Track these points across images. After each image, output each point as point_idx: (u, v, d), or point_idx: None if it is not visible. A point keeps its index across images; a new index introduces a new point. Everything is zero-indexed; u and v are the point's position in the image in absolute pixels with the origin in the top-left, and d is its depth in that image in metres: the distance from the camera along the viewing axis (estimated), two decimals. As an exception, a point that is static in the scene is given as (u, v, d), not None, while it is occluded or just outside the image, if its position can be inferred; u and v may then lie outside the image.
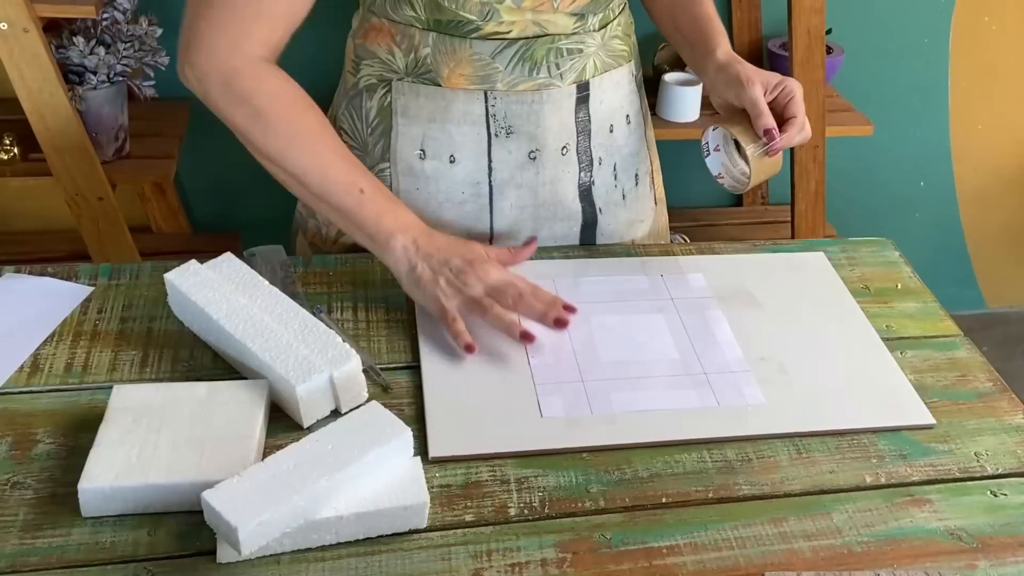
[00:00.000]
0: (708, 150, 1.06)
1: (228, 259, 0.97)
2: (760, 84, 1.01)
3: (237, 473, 0.72)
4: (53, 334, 0.95)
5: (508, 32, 1.02)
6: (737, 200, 2.40)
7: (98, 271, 1.03)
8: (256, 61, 0.97)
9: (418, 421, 0.87)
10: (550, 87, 1.06)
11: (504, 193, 1.10)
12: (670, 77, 1.98)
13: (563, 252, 1.12)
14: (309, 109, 0.99)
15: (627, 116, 1.15)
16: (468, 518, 0.78)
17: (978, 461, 0.87)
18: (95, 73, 1.67)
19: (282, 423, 0.85)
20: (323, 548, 0.75)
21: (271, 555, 0.73)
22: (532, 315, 0.95)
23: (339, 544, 0.75)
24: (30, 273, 1.02)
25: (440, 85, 1.05)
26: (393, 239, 0.97)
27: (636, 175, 1.19)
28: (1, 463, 0.80)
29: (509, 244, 1.12)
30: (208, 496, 0.70)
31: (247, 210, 2.16)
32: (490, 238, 1.12)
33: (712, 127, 1.05)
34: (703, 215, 2.33)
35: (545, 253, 1.11)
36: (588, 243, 1.17)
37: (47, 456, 0.81)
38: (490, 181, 1.09)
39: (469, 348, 0.92)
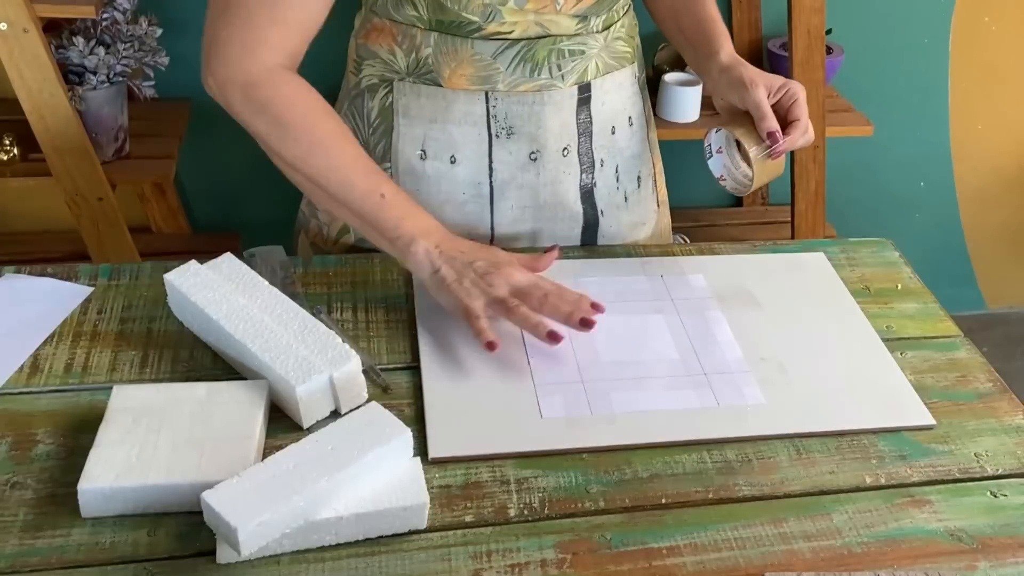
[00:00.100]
0: (711, 152, 1.06)
1: (228, 259, 0.97)
2: (764, 87, 1.01)
3: (237, 473, 0.72)
4: (53, 334, 0.95)
5: (510, 32, 1.02)
6: (737, 201, 2.40)
7: (98, 271, 1.03)
8: (274, 69, 0.97)
9: (418, 421, 0.87)
10: (551, 88, 1.06)
11: (505, 194, 1.10)
12: (670, 77, 1.98)
13: (564, 253, 1.12)
14: (328, 115, 0.98)
15: (629, 118, 1.15)
16: (468, 519, 0.78)
17: (978, 462, 0.87)
18: (95, 73, 1.68)
19: (282, 423, 0.85)
20: (323, 548, 0.75)
21: (271, 555, 0.73)
22: (558, 316, 0.93)
23: (339, 545, 0.75)
24: (30, 273, 1.02)
25: (441, 85, 1.05)
26: (415, 244, 0.96)
27: (638, 177, 1.19)
28: (1, 463, 0.80)
29: (510, 246, 1.12)
30: (208, 496, 0.70)
31: (247, 210, 2.16)
32: (491, 239, 1.12)
33: (715, 129, 1.05)
34: (703, 215, 2.33)
35: (530, 251, 1.11)
36: (589, 245, 1.17)
37: (47, 456, 0.81)
38: (491, 182, 1.09)
39: (491, 346, 0.91)
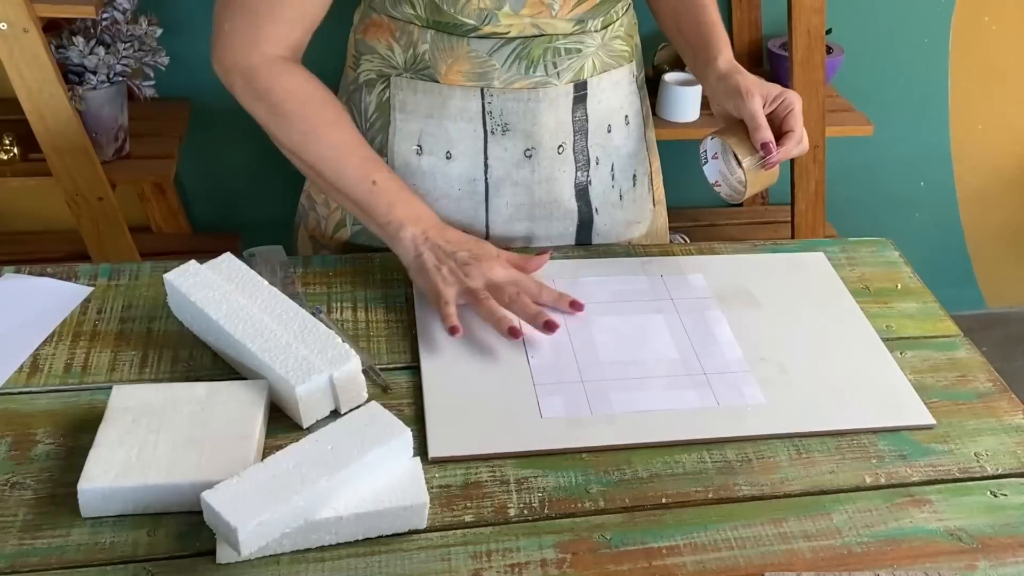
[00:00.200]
0: (706, 158, 1.06)
1: (228, 259, 0.97)
2: (760, 96, 1.01)
3: (237, 473, 0.72)
4: (53, 334, 0.95)
5: (507, 32, 1.02)
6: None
7: (98, 271, 1.03)
8: (275, 60, 1.01)
9: (418, 421, 0.87)
10: (546, 85, 1.06)
11: (500, 191, 1.10)
12: (670, 77, 1.98)
13: (563, 252, 1.12)
14: (326, 104, 1.02)
15: (626, 117, 1.15)
16: (468, 518, 0.78)
17: (978, 461, 0.87)
18: (95, 73, 1.67)
19: (282, 423, 0.85)
20: (323, 548, 0.75)
21: (271, 555, 0.73)
22: (524, 316, 0.96)
23: (339, 544, 0.75)
24: (30, 273, 1.02)
25: (438, 81, 1.05)
26: (403, 229, 1.00)
27: (634, 176, 1.19)
28: (1, 463, 0.80)
29: (504, 243, 1.12)
30: (207, 496, 0.70)
31: (247, 210, 2.16)
32: (486, 236, 1.12)
33: (710, 136, 1.05)
34: (703, 215, 2.33)
35: (529, 251, 1.11)
36: (584, 243, 1.17)
37: (47, 456, 0.81)
38: (486, 178, 1.09)
39: (453, 330, 0.94)
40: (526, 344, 0.96)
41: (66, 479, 0.78)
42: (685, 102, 1.97)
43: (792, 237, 2.06)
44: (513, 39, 1.03)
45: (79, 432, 0.83)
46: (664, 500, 0.81)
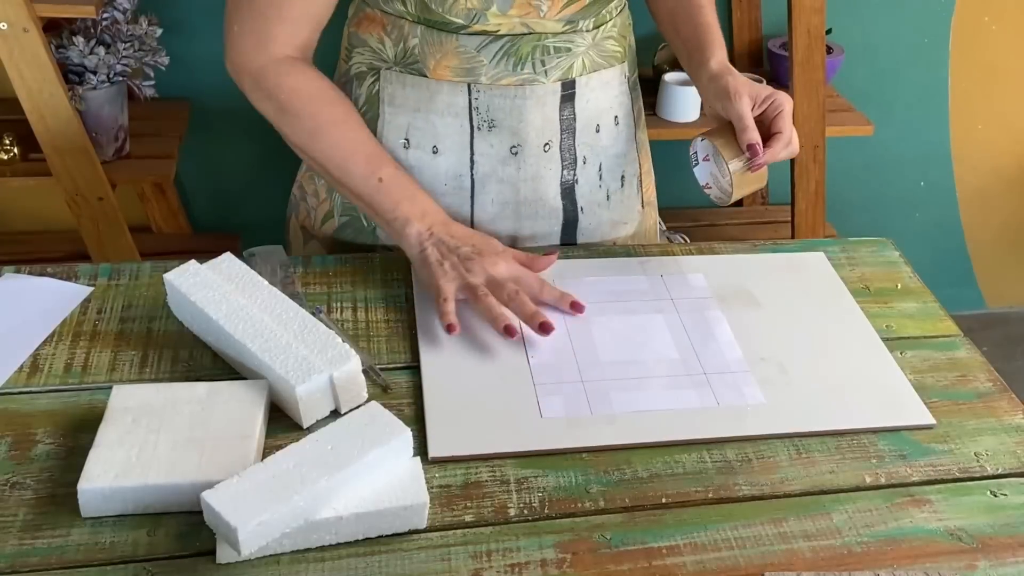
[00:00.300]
0: (696, 160, 1.06)
1: (228, 259, 0.97)
2: (748, 98, 1.01)
3: (237, 473, 0.72)
4: (53, 334, 0.95)
5: (496, 31, 1.03)
6: (737, 200, 2.39)
7: (98, 271, 1.03)
8: (283, 60, 1.03)
9: (418, 421, 0.87)
10: (533, 83, 1.06)
11: (486, 187, 1.10)
12: (670, 77, 1.98)
13: (564, 252, 1.12)
14: (333, 103, 1.04)
15: (616, 117, 1.15)
16: (468, 518, 0.78)
17: (978, 461, 0.87)
18: (95, 73, 1.68)
19: (282, 423, 0.85)
20: (323, 548, 0.75)
21: (271, 555, 0.73)
22: (521, 315, 0.96)
23: (339, 544, 0.75)
24: (30, 273, 1.02)
25: (426, 76, 1.06)
26: (409, 225, 1.01)
27: (623, 177, 1.19)
28: (1, 463, 0.80)
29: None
30: (208, 496, 0.70)
31: (247, 210, 2.16)
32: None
33: (700, 137, 1.04)
34: (703, 215, 2.33)
35: (529, 251, 1.11)
36: (568, 242, 1.17)
37: (47, 456, 0.81)
38: (472, 174, 1.09)
39: (450, 328, 0.94)
40: (526, 344, 0.96)
41: (66, 479, 0.78)
42: (685, 102, 1.97)
43: (792, 237, 2.06)
44: (502, 36, 1.03)
45: (79, 432, 0.83)
46: (664, 500, 0.81)
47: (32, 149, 1.68)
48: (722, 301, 1.04)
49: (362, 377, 0.87)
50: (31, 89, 1.56)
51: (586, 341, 0.97)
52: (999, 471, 0.86)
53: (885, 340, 1.01)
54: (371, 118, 1.10)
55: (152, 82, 1.78)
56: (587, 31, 1.07)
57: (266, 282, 0.94)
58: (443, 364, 0.93)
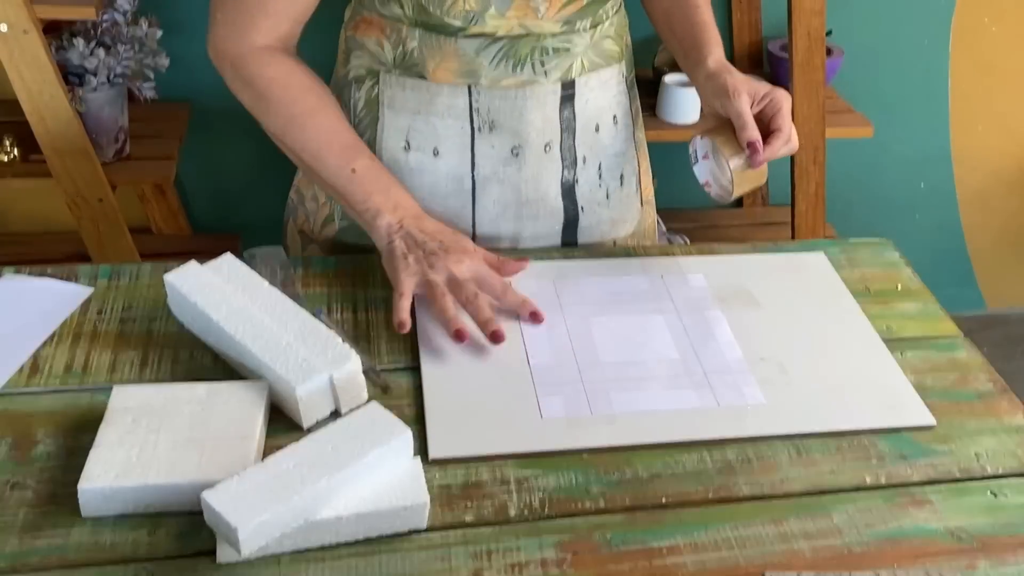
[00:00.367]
0: (696, 158, 1.06)
1: (228, 260, 0.97)
2: (747, 95, 1.01)
3: (237, 473, 0.72)
4: (53, 335, 0.95)
5: (494, 33, 1.03)
6: (737, 201, 2.40)
7: (98, 272, 1.03)
8: (263, 50, 1.03)
9: (418, 422, 0.87)
10: (533, 84, 1.06)
11: (487, 189, 1.10)
12: (670, 78, 1.98)
13: (563, 252, 1.12)
14: (309, 93, 1.04)
15: (614, 116, 1.15)
16: (468, 519, 0.78)
17: (978, 461, 0.87)
18: (95, 75, 1.68)
19: (282, 424, 0.85)
20: (323, 548, 0.75)
21: (271, 555, 0.73)
22: (476, 319, 0.95)
23: (339, 544, 0.75)
24: (30, 274, 1.02)
25: (426, 78, 1.06)
26: (379, 217, 1.00)
27: (622, 176, 1.19)
28: (1, 464, 0.80)
29: (491, 241, 1.12)
30: (208, 496, 0.70)
31: (247, 211, 2.16)
32: (472, 234, 1.12)
33: (699, 136, 1.05)
34: (703, 216, 2.33)
35: (529, 252, 1.11)
36: (569, 241, 1.17)
37: (47, 457, 0.81)
38: (473, 176, 1.09)
39: (400, 326, 0.94)
40: (526, 344, 0.96)
41: (66, 479, 0.78)
42: (685, 103, 1.97)
43: (792, 238, 2.06)
44: (500, 38, 1.03)
45: (79, 432, 0.83)
46: (664, 500, 0.81)
47: (32, 150, 1.69)
48: (722, 301, 1.04)
49: (362, 378, 0.87)
50: (31, 91, 1.56)
51: (586, 341, 0.97)
52: (999, 471, 0.86)
53: (885, 341, 1.01)
54: (370, 121, 1.10)
55: (152, 84, 1.78)
56: (585, 31, 1.07)
57: (266, 283, 0.94)
58: (443, 365, 0.93)
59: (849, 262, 1.14)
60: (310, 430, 0.84)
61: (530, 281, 1.03)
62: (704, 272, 1.09)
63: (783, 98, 1.02)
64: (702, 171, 1.06)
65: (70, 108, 1.59)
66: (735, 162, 1.00)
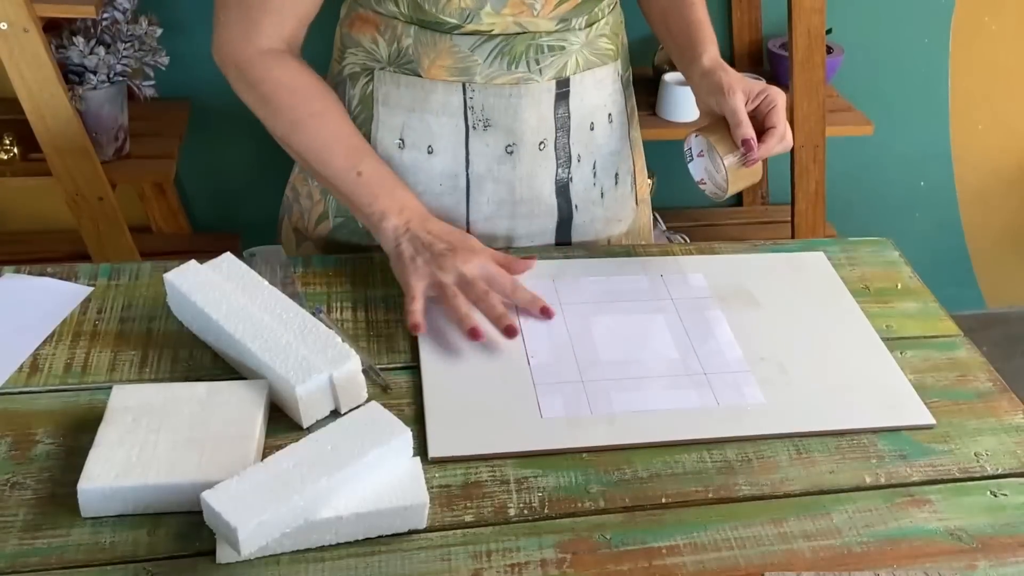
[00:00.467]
0: (691, 156, 1.06)
1: (228, 259, 0.97)
2: (742, 93, 1.01)
3: (237, 473, 0.72)
4: (53, 334, 0.95)
5: (489, 30, 1.03)
6: (737, 200, 2.40)
7: (98, 271, 1.03)
8: (268, 52, 1.03)
9: (418, 421, 0.87)
10: (528, 81, 1.06)
11: (481, 187, 1.10)
12: (670, 77, 1.98)
13: (563, 252, 1.12)
14: (314, 95, 1.04)
15: (609, 115, 1.15)
16: (468, 518, 0.78)
17: (978, 461, 0.87)
18: (95, 73, 1.68)
19: (282, 423, 0.85)
20: (323, 548, 0.75)
21: (271, 555, 0.73)
22: (489, 316, 0.96)
23: (339, 544, 0.75)
24: (30, 273, 1.02)
25: (420, 76, 1.06)
26: (385, 220, 1.01)
27: (616, 174, 1.19)
28: (1, 463, 0.80)
29: (486, 240, 1.12)
30: (208, 496, 0.70)
31: (247, 210, 2.16)
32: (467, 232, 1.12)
33: (694, 133, 1.05)
34: (703, 215, 2.33)
35: (527, 251, 1.11)
36: (563, 240, 1.17)
37: (47, 456, 0.81)
38: (467, 174, 1.09)
39: (415, 328, 0.94)
40: (526, 344, 0.96)
41: (66, 479, 0.78)
42: (685, 102, 1.97)
43: (792, 237, 2.06)
44: (495, 36, 1.03)
45: (79, 432, 0.83)
46: (664, 500, 0.81)
47: (32, 149, 1.68)
48: (722, 301, 1.04)
49: (362, 377, 0.87)
50: (31, 89, 1.56)
51: (586, 341, 0.97)
52: (999, 471, 0.86)
53: (885, 340, 1.01)
54: (365, 119, 1.10)
55: (152, 82, 1.78)
56: (580, 29, 1.07)
57: (266, 282, 0.94)
58: (443, 364, 0.93)
59: (849, 261, 1.14)
60: (310, 430, 0.84)
61: (530, 280, 1.03)
62: (704, 271, 1.09)
63: (778, 95, 1.02)
64: (697, 169, 1.06)
65: (70, 106, 1.59)
66: (730, 160, 1.00)
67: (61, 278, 1.02)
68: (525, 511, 0.79)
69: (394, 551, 0.75)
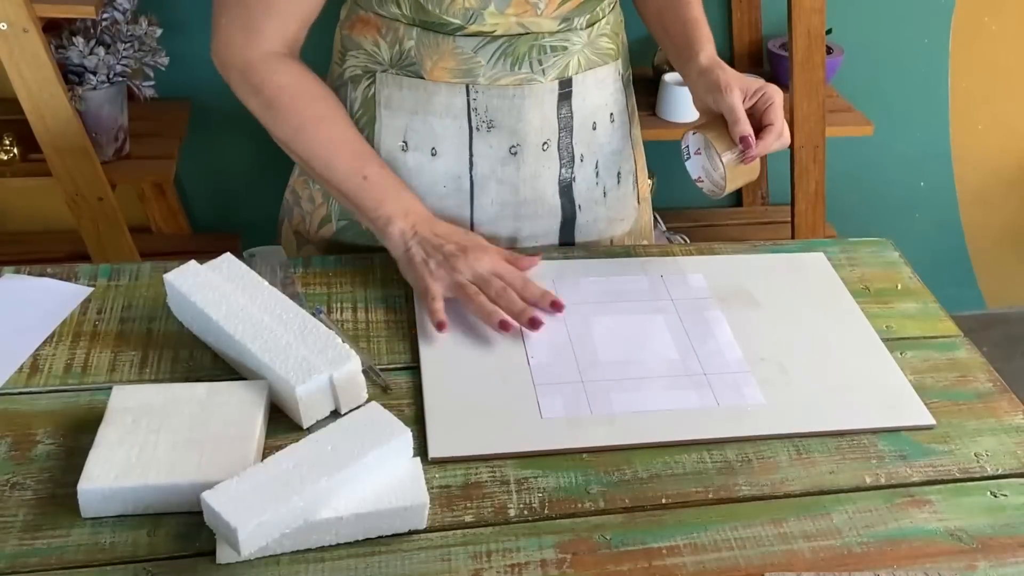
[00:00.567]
0: (688, 153, 1.06)
1: (228, 260, 0.97)
2: (739, 90, 1.01)
3: (237, 474, 0.72)
4: (53, 335, 0.95)
5: (492, 31, 1.03)
6: (737, 200, 2.40)
7: (98, 271, 1.03)
8: (269, 55, 1.03)
9: (418, 422, 0.87)
10: (532, 82, 1.06)
11: (485, 188, 1.10)
12: (670, 77, 1.98)
13: (563, 252, 1.12)
14: (318, 100, 1.04)
15: (611, 114, 1.15)
16: (468, 519, 0.78)
17: (978, 461, 0.87)
18: (95, 73, 1.67)
19: (282, 424, 0.85)
20: (323, 549, 0.75)
21: (271, 556, 0.73)
22: (510, 311, 0.97)
23: (339, 545, 0.75)
24: (30, 273, 1.02)
25: (423, 78, 1.06)
26: (392, 224, 1.01)
27: (619, 174, 1.19)
28: (1, 464, 0.80)
29: (490, 241, 1.12)
30: (208, 497, 0.70)
31: (247, 211, 2.16)
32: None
33: (692, 131, 1.05)
34: (703, 215, 2.33)
35: (529, 251, 1.11)
36: (567, 240, 1.17)
37: (47, 457, 0.81)
38: (471, 175, 1.09)
39: (440, 326, 0.95)
40: (526, 344, 0.96)
41: (66, 479, 0.78)
42: (685, 101, 1.96)
43: (792, 237, 2.06)
44: (499, 37, 1.03)
45: (79, 432, 0.83)
46: (664, 500, 0.81)
47: (32, 149, 1.68)
48: (722, 301, 1.04)
49: (362, 377, 0.87)
50: (31, 89, 1.56)
51: (586, 341, 0.97)
52: (999, 471, 0.86)
53: (885, 340, 1.01)
54: (367, 121, 1.10)
55: (152, 82, 1.77)
56: (581, 29, 1.07)
57: (266, 282, 0.94)
58: (443, 364, 0.93)
59: (849, 262, 1.14)
60: (310, 430, 0.84)
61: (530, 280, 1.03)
62: (704, 272, 1.09)
63: (775, 93, 1.02)
64: (694, 167, 1.06)
65: (70, 107, 1.59)
66: (727, 157, 1.00)
67: (61, 278, 1.02)
68: (525, 511, 0.79)
69: (394, 551, 0.75)
